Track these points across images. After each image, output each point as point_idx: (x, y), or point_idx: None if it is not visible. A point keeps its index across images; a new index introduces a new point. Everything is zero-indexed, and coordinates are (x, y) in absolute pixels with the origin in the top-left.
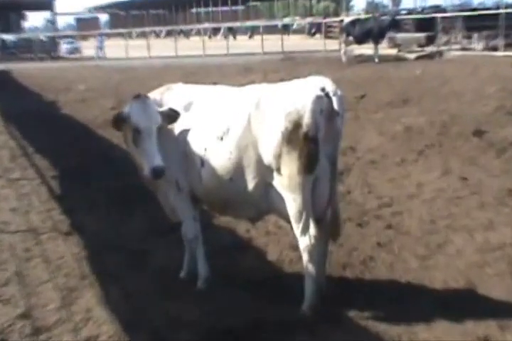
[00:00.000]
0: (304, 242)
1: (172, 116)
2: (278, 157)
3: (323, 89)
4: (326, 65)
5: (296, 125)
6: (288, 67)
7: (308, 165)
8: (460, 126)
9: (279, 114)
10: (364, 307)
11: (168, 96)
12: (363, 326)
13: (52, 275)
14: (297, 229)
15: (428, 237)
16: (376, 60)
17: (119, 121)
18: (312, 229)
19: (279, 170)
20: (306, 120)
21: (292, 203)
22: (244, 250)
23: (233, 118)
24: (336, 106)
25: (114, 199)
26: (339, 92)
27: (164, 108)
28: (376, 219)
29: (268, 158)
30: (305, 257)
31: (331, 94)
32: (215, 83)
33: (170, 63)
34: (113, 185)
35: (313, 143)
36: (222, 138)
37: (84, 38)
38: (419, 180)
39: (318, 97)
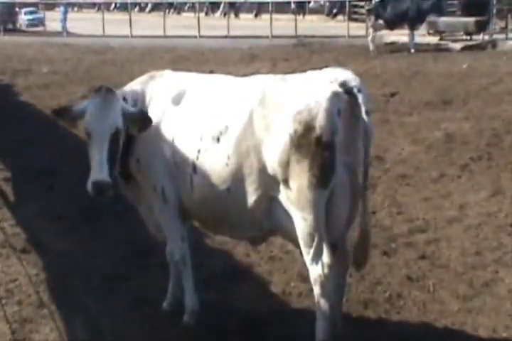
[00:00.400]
0: (316, 272)
1: (142, 121)
2: (285, 166)
3: (342, 84)
4: (348, 54)
5: (308, 127)
6: (301, 56)
7: (322, 178)
8: None
9: (287, 113)
10: None
11: (153, 86)
12: None
13: (2, 302)
14: (307, 255)
15: (472, 273)
16: (412, 50)
17: (69, 118)
18: (326, 256)
19: (286, 181)
20: (320, 121)
21: (302, 223)
22: (243, 279)
23: (232, 115)
24: (360, 105)
25: (82, 209)
26: (364, 89)
27: (135, 109)
28: (406, 247)
29: (273, 167)
30: (316, 290)
31: (354, 91)
32: (211, 72)
33: (156, 44)
34: (82, 191)
35: (328, 151)
36: (218, 139)
37: (50, 7)
38: (462, 201)
39: (336, 94)
